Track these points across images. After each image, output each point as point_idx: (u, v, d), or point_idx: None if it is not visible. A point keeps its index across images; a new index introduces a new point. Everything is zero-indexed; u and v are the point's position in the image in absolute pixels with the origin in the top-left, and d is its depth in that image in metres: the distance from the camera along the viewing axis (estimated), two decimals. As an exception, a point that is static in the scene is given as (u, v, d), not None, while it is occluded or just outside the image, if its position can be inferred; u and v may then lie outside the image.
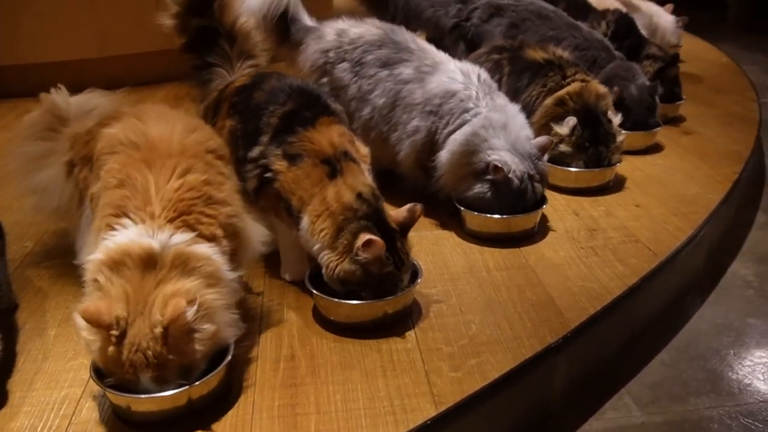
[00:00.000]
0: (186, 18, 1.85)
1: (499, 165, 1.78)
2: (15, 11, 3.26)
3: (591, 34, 2.71)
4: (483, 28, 2.79)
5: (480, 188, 1.84)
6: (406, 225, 1.47)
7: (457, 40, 2.84)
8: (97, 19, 3.37)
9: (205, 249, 1.26)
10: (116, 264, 1.19)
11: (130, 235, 1.23)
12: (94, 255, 1.23)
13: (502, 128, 1.86)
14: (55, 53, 3.37)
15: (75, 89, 3.46)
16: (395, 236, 1.44)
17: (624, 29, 2.98)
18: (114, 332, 1.12)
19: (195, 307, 1.15)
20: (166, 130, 1.43)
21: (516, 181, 1.80)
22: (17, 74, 3.41)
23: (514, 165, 1.81)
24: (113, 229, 1.25)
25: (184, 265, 1.22)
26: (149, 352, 1.13)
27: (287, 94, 1.62)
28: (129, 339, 1.13)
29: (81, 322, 1.15)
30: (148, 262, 1.20)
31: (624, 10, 3.15)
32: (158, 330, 1.12)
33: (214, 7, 1.84)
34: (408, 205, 1.48)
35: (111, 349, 1.13)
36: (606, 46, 2.67)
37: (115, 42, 3.42)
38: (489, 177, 1.81)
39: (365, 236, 1.37)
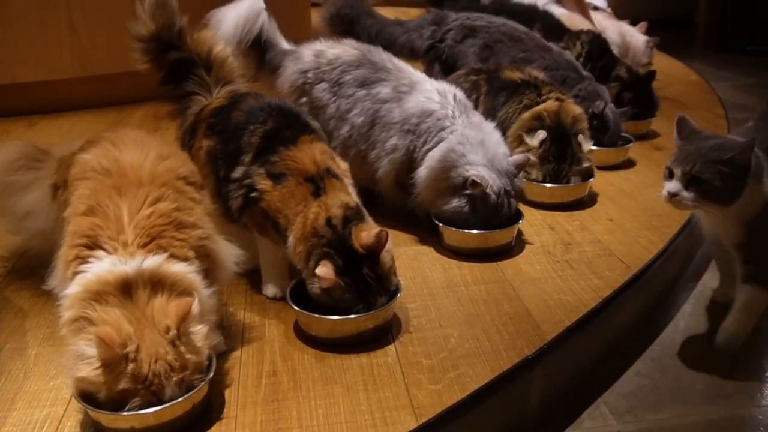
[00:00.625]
0: (161, 55, 1.85)
1: (477, 180, 1.82)
2: (-8, 31, 3.25)
3: (561, 55, 2.78)
4: (457, 49, 2.85)
5: (457, 203, 1.88)
6: (373, 250, 1.46)
7: (432, 62, 2.91)
8: (76, 39, 3.37)
9: (178, 267, 1.29)
10: (99, 295, 1.21)
11: (105, 266, 1.25)
12: (71, 289, 1.24)
13: (479, 144, 1.90)
14: (33, 73, 3.36)
15: (54, 109, 3.49)
16: (361, 262, 1.45)
17: (598, 50, 3.06)
18: (131, 348, 1.14)
19: (197, 301, 1.22)
20: (138, 157, 1.45)
21: (493, 197, 1.84)
22: (-5, 94, 3.40)
23: (492, 180, 1.85)
24: (86, 261, 1.27)
25: (161, 283, 1.25)
26: (169, 357, 1.16)
27: (267, 113, 1.63)
28: (145, 352, 1.15)
29: (88, 351, 1.16)
30: (127, 288, 1.23)
31: (597, 30, 3.23)
32: (172, 333, 1.17)
33: (187, 40, 1.86)
34: (374, 231, 1.46)
35: (131, 367, 1.14)
36: (575, 67, 2.74)
37: (94, 62, 3.42)
38: (467, 192, 1.85)
39: (320, 268, 1.42)
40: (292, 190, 1.51)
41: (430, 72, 2.73)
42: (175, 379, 1.17)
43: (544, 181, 2.20)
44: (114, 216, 1.31)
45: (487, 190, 1.83)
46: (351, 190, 1.56)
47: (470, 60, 2.78)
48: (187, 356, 1.19)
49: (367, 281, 1.45)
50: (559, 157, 2.19)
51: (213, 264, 1.40)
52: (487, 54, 2.78)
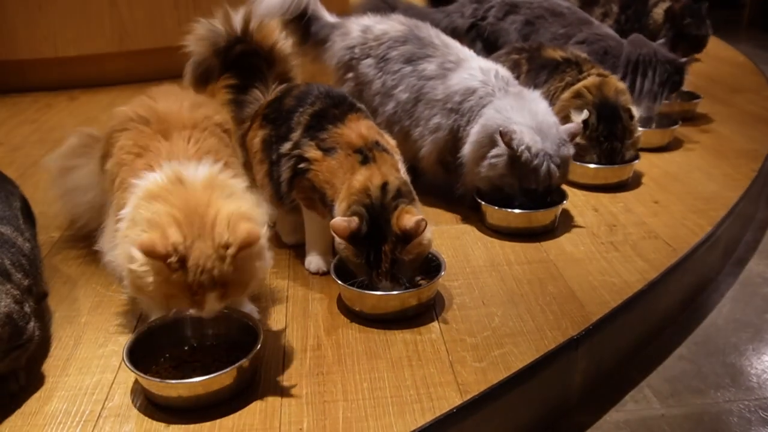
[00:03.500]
0: (228, 50, 1.86)
1: (504, 131, 1.77)
2: (33, 6, 3.29)
3: (600, 27, 2.75)
4: (499, 26, 2.83)
5: (495, 152, 1.83)
6: (408, 235, 1.43)
7: (474, 40, 2.88)
8: (117, 14, 3.40)
9: (235, 180, 1.31)
10: (154, 196, 1.23)
11: (160, 173, 1.27)
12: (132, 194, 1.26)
13: (521, 108, 1.85)
14: (75, 47, 3.41)
15: (95, 83, 3.53)
16: (387, 239, 1.42)
17: None
18: (173, 260, 1.14)
19: (265, 227, 1.22)
20: (174, 104, 1.48)
21: (527, 154, 1.77)
22: (37, 68, 3.45)
23: (530, 140, 1.78)
24: (137, 183, 1.29)
25: (221, 189, 1.26)
26: (216, 272, 1.16)
27: (315, 96, 1.66)
28: (193, 261, 1.15)
29: (135, 253, 1.17)
30: (185, 186, 1.24)
31: None
32: (231, 250, 1.16)
33: (253, 31, 1.86)
34: (416, 217, 1.42)
35: (174, 275, 1.15)
36: (614, 36, 2.70)
37: (134, 37, 3.45)
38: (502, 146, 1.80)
39: (339, 219, 1.41)
40: (341, 161, 1.51)
41: (472, 50, 2.70)
42: (215, 293, 1.17)
43: (599, 163, 2.16)
44: (165, 150, 1.34)
45: (522, 148, 1.77)
46: (401, 166, 1.55)
47: (512, 37, 2.76)
48: (234, 276, 1.18)
49: (382, 259, 1.43)
50: (611, 134, 2.14)
51: None
52: (528, 30, 2.76)
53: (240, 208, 1.23)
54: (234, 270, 1.18)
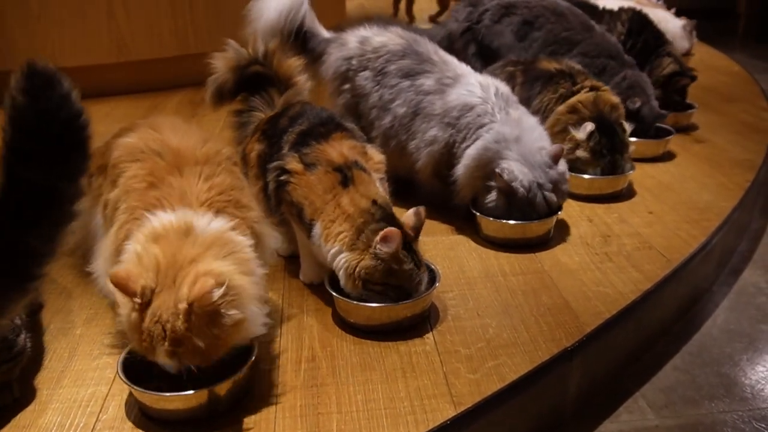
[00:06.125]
0: (243, 68, 1.92)
1: (499, 171, 1.81)
2: (32, 18, 3.31)
3: (603, 37, 2.70)
4: (494, 29, 2.78)
5: (493, 198, 1.87)
6: (417, 228, 1.49)
7: (468, 43, 2.84)
8: (115, 25, 3.42)
9: (242, 238, 1.30)
10: (157, 238, 1.23)
11: (173, 215, 1.28)
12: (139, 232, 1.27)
13: (514, 141, 1.87)
14: (73, 58, 3.41)
15: (92, 94, 3.53)
16: (410, 238, 1.47)
17: (638, 25, 2.98)
18: (137, 300, 1.15)
19: (223, 289, 1.15)
20: (184, 139, 1.48)
21: (522, 190, 1.81)
22: (35, 79, 3.46)
23: (521, 174, 1.82)
24: (148, 218, 1.29)
25: (221, 247, 1.25)
26: (168, 326, 1.14)
27: (305, 117, 1.70)
28: (152, 309, 1.15)
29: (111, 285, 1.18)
30: (188, 238, 1.24)
31: (637, 7, 3.16)
32: (182, 305, 1.13)
33: (274, 61, 1.93)
34: (412, 210, 1.50)
35: (134, 315, 1.16)
36: (617, 53, 2.66)
37: (132, 47, 3.47)
38: (497, 185, 1.84)
39: (385, 230, 1.40)
40: (320, 177, 1.53)
41: (464, 54, 2.69)
42: (164, 348, 1.15)
43: (601, 175, 2.16)
44: (178, 187, 1.34)
45: (515, 184, 1.81)
46: (379, 185, 1.57)
47: (507, 39, 2.72)
48: (187, 334, 1.14)
49: (418, 256, 1.47)
50: (612, 147, 2.15)
51: (261, 247, 1.42)
52: (526, 30, 2.71)
53: (217, 268, 1.19)
54: (188, 329, 1.14)
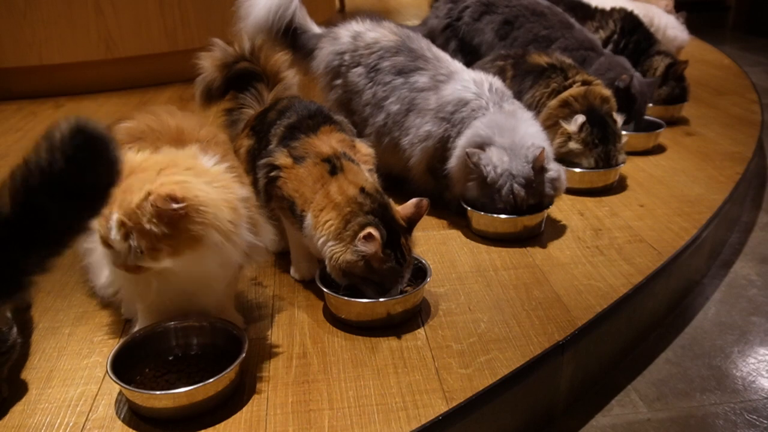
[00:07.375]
0: (231, 64, 1.93)
1: (469, 152, 1.80)
2: (18, 14, 3.28)
3: (581, 33, 2.73)
4: (474, 27, 2.79)
5: (471, 184, 1.86)
6: (413, 220, 1.49)
7: (448, 39, 2.84)
8: (103, 22, 3.39)
9: (234, 182, 1.33)
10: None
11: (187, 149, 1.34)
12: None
13: (507, 129, 1.85)
14: (60, 55, 3.40)
15: (80, 91, 3.51)
16: (400, 232, 1.46)
17: (630, 25, 3.00)
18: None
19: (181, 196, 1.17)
20: (183, 121, 1.50)
21: (492, 175, 1.80)
22: (22, 76, 3.44)
23: (498, 162, 1.80)
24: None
25: (207, 175, 1.27)
26: (129, 207, 1.17)
27: (293, 110, 1.69)
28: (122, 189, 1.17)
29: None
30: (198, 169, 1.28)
31: (629, 8, 3.17)
32: (137, 199, 1.17)
33: (261, 57, 1.94)
34: (414, 200, 1.50)
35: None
36: (594, 45, 2.70)
37: (120, 44, 3.45)
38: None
39: (368, 230, 1.39)
40: (309, 169, 1.52)
41: (445, 49, 2.68)
42: (118, 217, 1.17)
43: (596, 168, 2.16)
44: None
45: (487, 168, 1.79)
46: (368, 175, 1.56)
47: (488, 37, 2.73)
48: (147, 226, 1.16)
49: (403, 252, 1.45)
50: (604, 138, 2.15)
51: (258, 232, 1.40)
52: (507, 30, 2.73)
53: (187, 182, 1.22)
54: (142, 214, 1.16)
